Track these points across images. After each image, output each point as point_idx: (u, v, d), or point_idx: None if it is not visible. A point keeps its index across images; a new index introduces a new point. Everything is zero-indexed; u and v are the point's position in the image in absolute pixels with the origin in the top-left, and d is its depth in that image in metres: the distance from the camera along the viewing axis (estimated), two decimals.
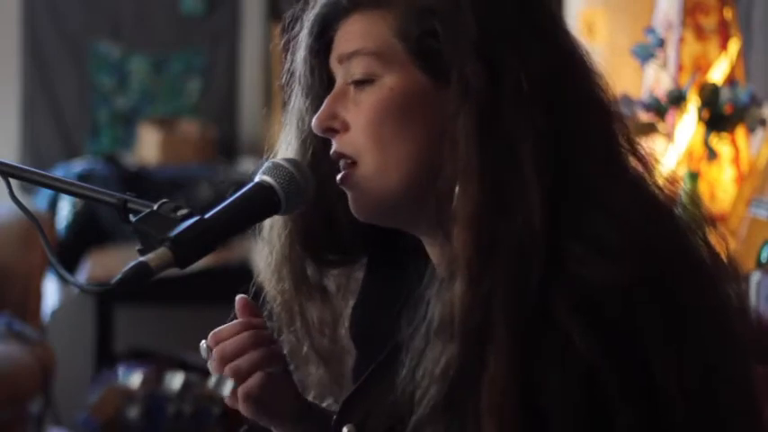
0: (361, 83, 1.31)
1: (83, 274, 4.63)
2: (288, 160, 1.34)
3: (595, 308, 1.19)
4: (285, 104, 1.43)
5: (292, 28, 1.40)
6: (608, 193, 1.25)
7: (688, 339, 1.22)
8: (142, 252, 1.23)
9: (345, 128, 1.32)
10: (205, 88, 5.50)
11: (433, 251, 1.35)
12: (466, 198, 1.23)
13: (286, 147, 1.42)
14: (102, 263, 4.67)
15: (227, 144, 5.44)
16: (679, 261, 1.25)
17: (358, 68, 1.31)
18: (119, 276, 1.19)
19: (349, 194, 1.33)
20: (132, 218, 1.27)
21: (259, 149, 5.81)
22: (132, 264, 1.20)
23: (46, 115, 5.38)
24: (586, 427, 1.19)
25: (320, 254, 1.43)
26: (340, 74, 1.34)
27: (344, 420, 1.34)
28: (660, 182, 1.30)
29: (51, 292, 4.79)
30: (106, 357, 4.73)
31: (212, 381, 1.06)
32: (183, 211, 1.26)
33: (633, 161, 1.30)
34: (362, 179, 1.31)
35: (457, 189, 1.24)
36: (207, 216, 1.26)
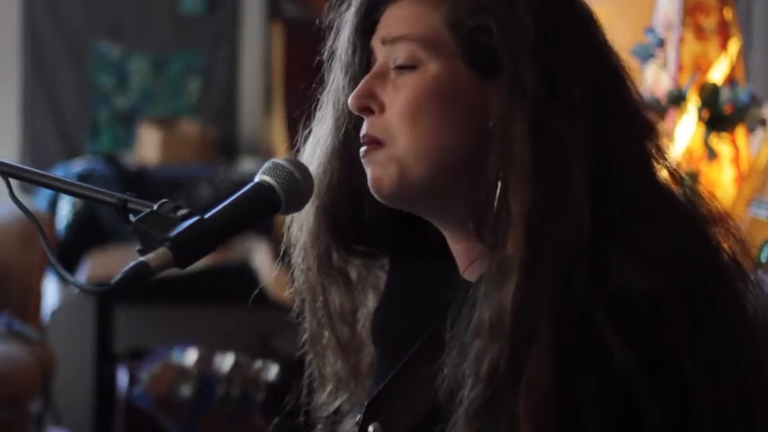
0: (404, 68, 1.32)
1: (83, 274, 4.63)
2: (288, 160, 1.35)
3: (633, 317, 1.20)
4: (324, 84, 1.44)
5: (339, 5, 1.41)
6: (649, 203, 1.27)
7: (722, 350, 1.23)
8: (142, 252, 1.22)
9: (381, 109, 1.33)
10: (205, 88, 5.50)
11: (455, 247, 1.35)
12: (520, 198, 1.23)
13: (320, 125, 1.43)
14: (102, 263, 4.67)
15: (227, 144, 5.44)
16: (712, 272, 1.26)
17: (402, 53, 1.32)
18: (119, 276, 1.19)
19: (369, 170, 1.33)
20: (132, 218, 1.27)
21: (259, 149, 5.77)
22: (132, 264, 1.20)
23: (46, 115, 5.38)
24: None
25: (346, 240, 1.43)
26: (381, 54, 1.35)
27: (370, 419, 1.34)
28: (688, 193, 1.32)
29: (51, 292, 4.79)
30: (106, 357, 4.73)
31: (258, 364, 1.07)
32: (183, 211, 1.26)
33: (664, 173, 1.32)
34: (389, 159, 1.31)
35: (500, 188, 1.24)
36: (207, 216, 1.26)
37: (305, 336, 1.48)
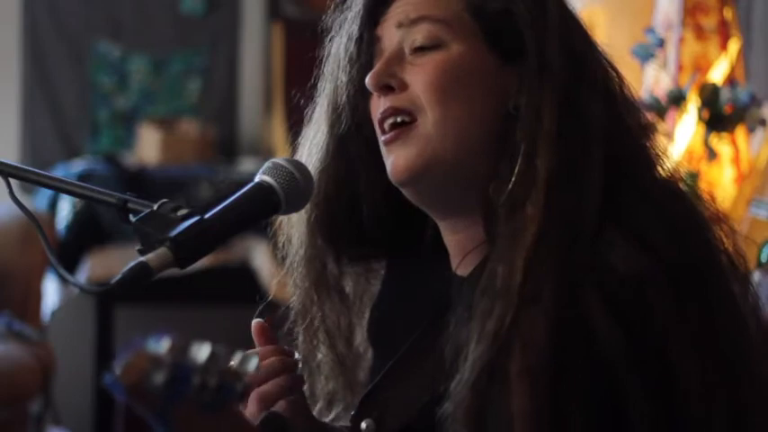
0: (424, 49, 1.33)
1: (83, 274, 4.63)
2: (288, 160, 1.35)
3: (621, 298, 1.21)
4: (316, 89, 1.44)
5: (336, 7, 1.42)
6: (649, 188, 1.29)
7: (710, 336, 1.24)
8: (142, 252, 1.23)
9: (403, 87, 1.33)
10: (205, 88, 5.50)
11: (451, 239, 1.36)
12: (546, 160, 1.25)
13: (314, 134, 1.43)
14: (102, 263, 4.67)
15: (227, 144, 5.44)
16: (705, 260, 1.28)
17: (422, 33, 1.33)
18: (119, 276, 1.19)
19: (396, 154, 1.33)
20: (132, 218, 1.27)
21: (259, 149, 5.76)
22: (132, 264, 1.20)
23: (46, 115, 5.38)
24: (603, 418, 1.20)
25: (339, 246, 1.44)
26: (395, 39, 1.35)
27: (363, 415, 1.35)
28: (684, 184, 1.34)
29: (51, 292, 4.79)
30: (106, 357, 4.73)
31: (237, 357, 1.07)
32: (183, 211, 1.26)
33: (658, 160, 1.34)
34: (422, 136, 1.32)
35: (524, 153, 1.26)
36: (207, 216, 1.26)
37: (298, 354, 1.48)
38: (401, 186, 1.34)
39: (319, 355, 1.47)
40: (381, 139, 1.34)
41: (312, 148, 1.42)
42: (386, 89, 1.33)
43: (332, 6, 1.42)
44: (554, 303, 1.20)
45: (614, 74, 1.35)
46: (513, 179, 1.26)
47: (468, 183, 1.32)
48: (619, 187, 1.27)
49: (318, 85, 1.43)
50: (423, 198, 1.36)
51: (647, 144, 1.33)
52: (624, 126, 1.32)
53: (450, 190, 1.34)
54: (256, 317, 1.43)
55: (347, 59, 1.39)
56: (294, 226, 1.44)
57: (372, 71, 1.34)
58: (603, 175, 1.26)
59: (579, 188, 1.25)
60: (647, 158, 1.33)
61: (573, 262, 1.22)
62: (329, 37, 1.42)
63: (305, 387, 1.48)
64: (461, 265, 1.34)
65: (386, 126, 1.34)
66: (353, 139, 1.39)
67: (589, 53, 1.33)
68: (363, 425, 1.34)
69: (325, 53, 1.43)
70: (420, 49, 1.33)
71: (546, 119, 1.27)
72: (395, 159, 1.33)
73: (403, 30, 1.34)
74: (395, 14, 1.35)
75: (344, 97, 1.39)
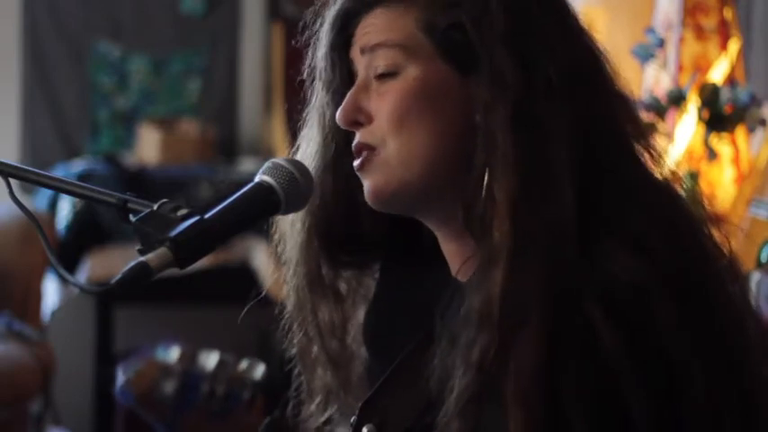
0: (385, 75, 1.33)
1: (83, 274, 4.63)
2: (288, 160, 1.35)
3: (621, 304, 1.20)
4: (306, 101, 1.44)
5: (313, 24, 1.41)
6: (639, 191, 1.28)
7: (711, 337, 1.24)
8: (142, 252, 1.23)
9: (370, 119, 1.34)
10: (205, 88, 5.50)
11: (448, 248, 1.36)
12: (505, 187, 1.24)
13: (307, 143, 1.43)
14: (102, 263, 4.67)
15: (227, 144, 5.44)
16: (701, 262, 1.27)
17: (382, 61, 1.33)
18: (119, 276, 1.19)
19: (366, 181, 1.34)
20: (132, 218, 1.27)
21: (259, 149, 5.76)
22: (132, 264, 1.20)
23: (46, 115, 5.38)
24: (604, 422, 1.19)
25: (335, 253, 1.44)
26: (362, 65, 1.35)
27: (364, 421, 1.35)
28: (676, 181, 1.32)
29: (51, 292, 4.79)
30: (106, 357, 4.73)
31: (244, 364, 1.08)
32: (183, 211, 1.26)
33: (650, 160, 1.32)
34: (383, 164, 1.32)
35: (487, 178, 1.25)
36: (207, 216, 1.26)
37: (294, 350, 1.48)
38: (377, 209, 1.35)
39: (314, 351, 1.47)
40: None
41: (306, 159, 1.42)
42: (355, 125, 1.34)
43: (306, 23, 1.42)
44: (543, 322, 1.19)
45: (591, 62, 1.32)
46: (479, 203, 1.25)
47: (447, 198, 1.31)
48: (604, 192, 1.25)
49: (307, 95, 1.43)
50: (407, 213, 1.37)
51: (639, 143, 1.31)
52: (607, 126, 1.29)
53: (428, 207, 1.34)
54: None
55: (325, 82, 1.40)
56: (290, 229, 1.44)
57: (340, 108, 1.35)
58: (576, 180, 1.23)
59: (548, 203, 1.23)
60: (635, 159, 1.31)
61: (561, 276, 1.20)
62: (310, 52, 1.42)
63: (302, 382, 1.48)
64: (461, 271, 1.34)
65: (362, 155, 1.35)
66: (347, 156, 1.39)
67: (553, 52, 1.29)
68: (365, 430, 1.34)
69: (309, 67, 1.43)
70: (381, 77, 1.33)
71: (500, 138, 1.25)
72: (366, 186, 1.34)
73: (366, 56, 1.35)
74: (360, 38, 1.36)
75: (329, 118, 1.39)
